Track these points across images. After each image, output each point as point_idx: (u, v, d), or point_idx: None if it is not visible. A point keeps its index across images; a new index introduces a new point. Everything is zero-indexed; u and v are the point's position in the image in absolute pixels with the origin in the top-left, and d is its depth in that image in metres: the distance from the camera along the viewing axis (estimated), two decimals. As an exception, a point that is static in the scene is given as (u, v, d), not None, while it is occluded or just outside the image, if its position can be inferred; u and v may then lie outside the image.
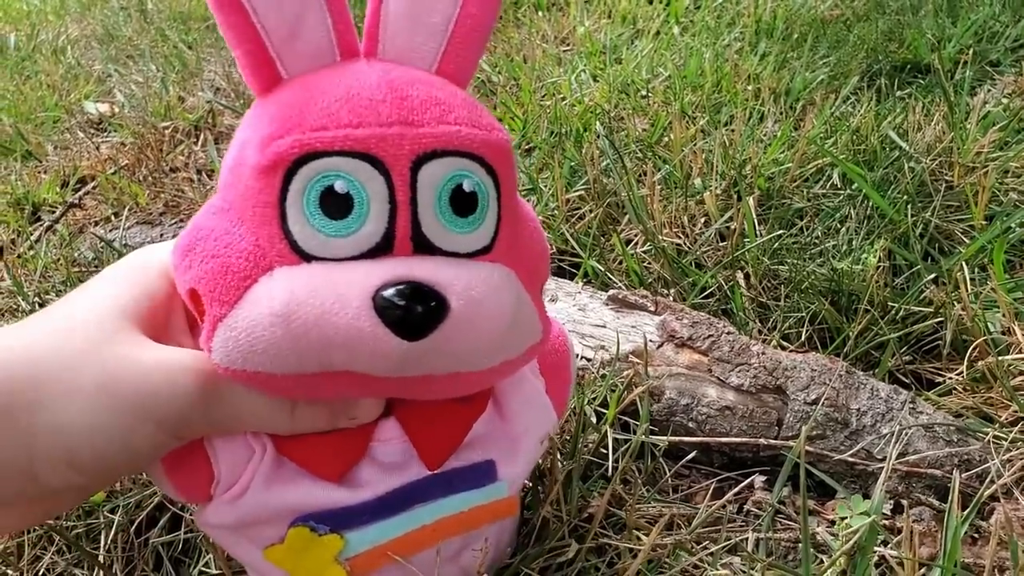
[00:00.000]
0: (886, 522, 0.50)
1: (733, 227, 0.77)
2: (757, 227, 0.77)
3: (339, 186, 0.29)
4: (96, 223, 0.99)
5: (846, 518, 0.49)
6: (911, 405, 0.55)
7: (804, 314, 0.67)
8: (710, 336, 0.60)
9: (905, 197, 0.78)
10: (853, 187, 0.82)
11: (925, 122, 0.93)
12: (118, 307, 0.31)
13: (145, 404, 0.29)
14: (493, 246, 0.32)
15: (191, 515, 0.51)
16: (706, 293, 0.73)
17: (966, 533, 0.48)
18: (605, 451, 0.55)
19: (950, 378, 0.62)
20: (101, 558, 0.50)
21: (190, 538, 0.51)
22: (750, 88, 1.11)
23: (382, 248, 0.29)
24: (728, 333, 0.60)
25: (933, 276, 0.68)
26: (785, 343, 0.66)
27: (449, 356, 0.30)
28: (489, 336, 0.31)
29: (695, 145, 0.93)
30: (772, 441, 0.55)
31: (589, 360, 0.62)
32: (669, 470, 0.55)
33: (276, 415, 0.33)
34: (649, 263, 0.78)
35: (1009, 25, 1.24)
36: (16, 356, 0.29)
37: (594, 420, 0.58)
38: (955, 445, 0.53)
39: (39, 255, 0.89)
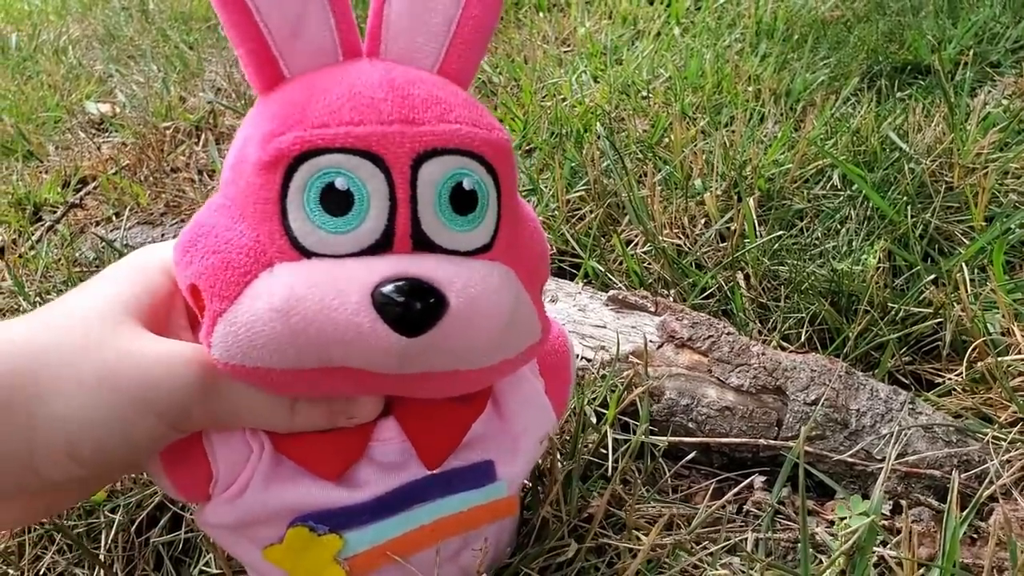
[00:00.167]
0: (885, 522, 0.51)
1: (733, 228, 0.77)
2: (757, 228, 0.78)
3: (340, 183, 0.29)
4: (97, 223, 1.00)
5: (845, 518, 0.49)
6: (910, 406, 0.55)
7: (804, 315, 0.67)
8: (710, 337, 0.60)
9: (905, 198, 0.78)
10: (853, 188, 0.82)
11: (925, 123, 0.93)
12: (119, 302, 0.32)
13: (146, 396, 0.30)
14: (493, 245, 0.32)
15: (192, 515, 0.51)
16: (706, 294, 0.73)
17: (965, 533, 0.48)
18: (605, 451, 0.55)
19: (949, 379, 0.62)
20: (102, 557, 0.50)
21: (191, 538, 0.51)
22: (750, 89, 1.11)
23: (382, 245, 0.29)
24: (728, 334, 0.60)
25: (933, 277, 0.68)
26: (785, 344, 0.66)
27: (448, 353, 0.30)
28: (487, 334, 0.31)
29: (695, 146, 0.93)
30: (772, 441, 0.55)
31: (589, 360, 0.62)
32: (669, 470, 0.55)
33: (276, 411, 0.33)
34: (649, 264, 0.78)
35: (1009, 26, 1.24)
36: (17, 349, 0.29)
37: (594, 420, 0.58)
38: (954, 446, 0.53)
39: (40, 255, 0.89)
